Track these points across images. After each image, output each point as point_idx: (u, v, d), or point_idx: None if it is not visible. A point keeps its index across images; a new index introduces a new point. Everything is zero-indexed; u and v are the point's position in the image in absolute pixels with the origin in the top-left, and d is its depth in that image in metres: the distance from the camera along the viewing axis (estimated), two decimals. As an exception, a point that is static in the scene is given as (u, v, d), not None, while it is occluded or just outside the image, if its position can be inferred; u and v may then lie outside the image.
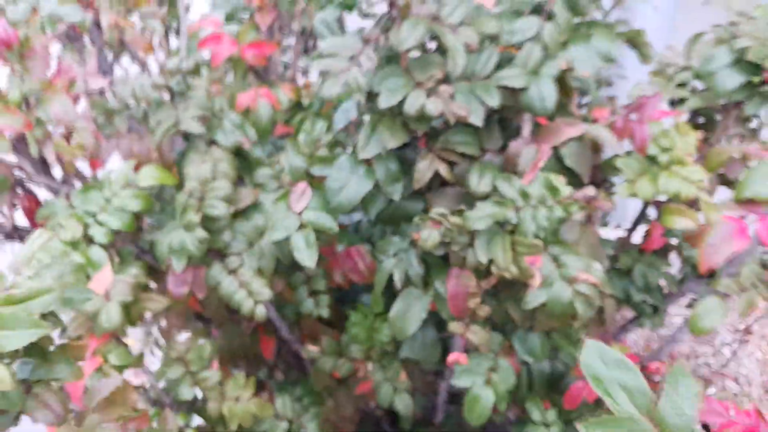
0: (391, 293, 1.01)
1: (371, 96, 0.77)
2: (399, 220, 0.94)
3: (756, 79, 0.99)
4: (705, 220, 0.82)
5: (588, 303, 0.83)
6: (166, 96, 0.95)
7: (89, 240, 0.84)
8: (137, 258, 0.97)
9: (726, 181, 1.02)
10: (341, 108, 0.91)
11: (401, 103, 0.74)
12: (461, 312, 0.86)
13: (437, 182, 0.87)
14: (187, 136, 0.97)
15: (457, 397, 1.28)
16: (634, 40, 0.86)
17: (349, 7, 1.08)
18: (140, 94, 0.89)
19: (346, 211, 0.85)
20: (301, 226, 0.89)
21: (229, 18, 1.59)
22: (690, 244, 0.83)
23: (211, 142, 0.96)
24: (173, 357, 0.91)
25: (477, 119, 0.76)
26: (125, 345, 0.84)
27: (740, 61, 0.98)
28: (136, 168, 0.90)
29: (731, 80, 0.97)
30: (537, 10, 0.84)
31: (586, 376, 0.46)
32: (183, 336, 1.25)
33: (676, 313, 1.87)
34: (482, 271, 0.84)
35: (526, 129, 0.84)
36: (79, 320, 0.79)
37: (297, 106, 1.24)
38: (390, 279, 0.93)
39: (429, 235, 0.79)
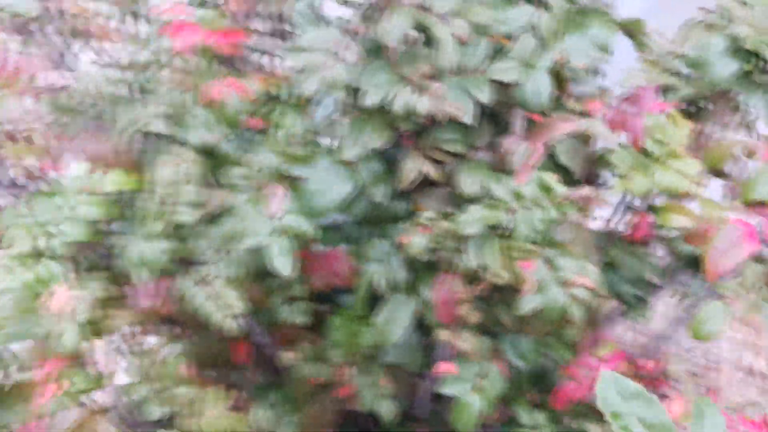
0: (373, 295, 0.96)
1: (354, 92, 0.70)
2: (383, 222, 0.88)
3: (750, 67, 0.95)
4: (704, 218, 0.79)
5: (584, 307, 0.79)
6: (127, 91, 0.87)
7: (43, 253, 0.77)
8: (101, 267, 0.90)
9: (718, 173, 0.98)
10: (321, 103, 0.84)
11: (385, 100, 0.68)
12: (450, 319, 0.81)
13: (424, 182, 0.82)
14: (149, 135, 0.89)
15: (440, 395, 1.24)
16: (631, 29, 0.81)
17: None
18: (100, 91, 0.81)
19: (328, 214, 0.79)
20: (278, 232, 0.82)
21: (199, 3, 1.50)
22: (688, 242, 0.80)
23: (177, 141, 0.88)
24: (143, 373, 0.84)
25: (469, 117, 0.70)
26: (88, 366, 0.77)
27: (736, 49, 0.94)
28: (97, 171, 0.82)
29: (727, 68, 0.93)
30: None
31: (603, 411, 0.41)
32: (149, 340, 1.19)
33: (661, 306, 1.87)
34: (472, 277, 0.79)
35: (518, 125, 0.78)
36: (36, 345, 0.72)
37: (270, 98, 1.17)
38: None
39: (417, 241, 0.74)
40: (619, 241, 1.14)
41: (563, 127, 0.75)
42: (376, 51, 0.71)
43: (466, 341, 0.81)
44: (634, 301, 1.20)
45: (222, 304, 0.80)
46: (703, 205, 0.78)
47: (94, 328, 0.76)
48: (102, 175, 0.81)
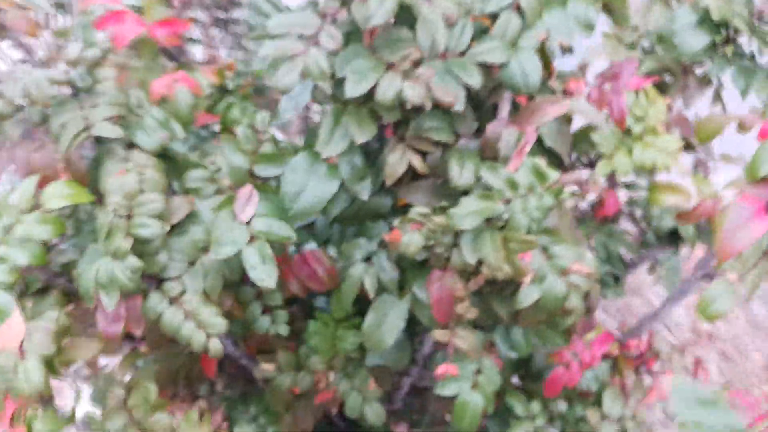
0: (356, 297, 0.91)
1: (334, 82, 0.64)
2: (364, 219, 0.83)
3: (720, 39, 0.95)
4: (698, 196, 0.77)
5: (582, 294, 0.76)
6: (66, 91, 0.77)
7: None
8: (51, 290, 0.81)
9: (688, 145, 0.98)
10: (287, 94, 0.77)
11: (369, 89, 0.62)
12: (447, 318, 0.77)
13: (408, 175, 0.77)
14: (98, 140, 0.80)
15: (418, 389, 1.21)
16: (611, 4, 0.78)
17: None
18: (36, 94, 0.72)
19: (306, 218, 0.73)
20: (253, 238, 0.76)
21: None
22: (681, 221, 0.78)
23: (130, 145, 0.79)
24: (113, 405, 0.76)
25: (460, 104, 0.65)
26: (52, 404, 0.68)
27: (704, 21, 0.93)
28: (41, 184, 0.73)
29: (696, 41, 0.92)
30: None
31: (680, 424, 0.38)
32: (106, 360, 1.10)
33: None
34: (468, 272, 0.74)
35: (505, 109, 0.74)
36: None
37: (220, 91, 1.09)
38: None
39: (410, 239, 0.69)
40: (589, 220, 1.13)
41: (553, 109, 0.71)
42: (353, 36, 0.65)
43: (464, 339, 0.77)
44: (608, 280, 1.20)
45: (202, 322, 0.73)
46: (696, 183, 0.77)
47: (60, 359, 0.68)
48: (52, 189, 0.72)
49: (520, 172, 0.71)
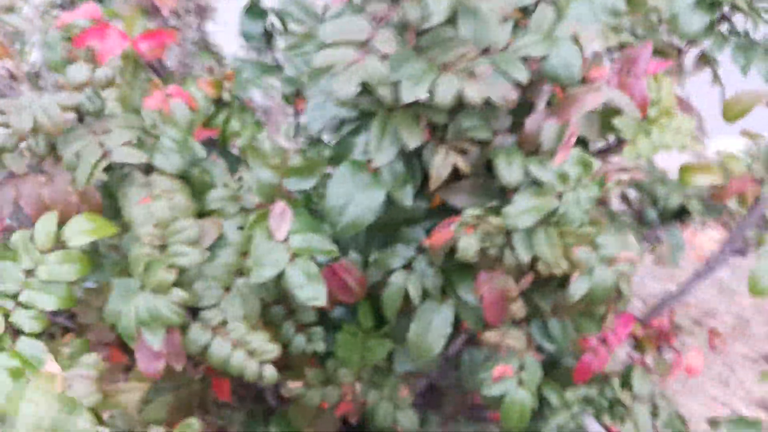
0: (374, 303, 0.88)
1: (382, 87, 0.61)
2: (399, 225, 0.80)
3: (713, 18, 0.97)
4: (728, 173, 0.79)
5: (629, 281, 0.77)
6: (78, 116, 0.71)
7: (20, 330, 0.61)
8: (74, 330, 0.75)
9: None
10: (314, 104, 0.73)
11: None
12: (499, 318, 0.76)
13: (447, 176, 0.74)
14: (109, 166, 0.74)
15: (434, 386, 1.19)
16: None
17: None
18: (46, 122, 0.65)
19: (355, 231, 0.70)
20: (294, 256, 0.72)
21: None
22: (716, 200, 0.79)
23: (147, 169, 0.74)
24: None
25: (513, 100, 0.64)
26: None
27: (702, 1, 0.95)
28: (59, 220, 0.67)
29: (697, 20, 0.94)
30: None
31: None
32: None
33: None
34: (520, 271, 0.73)
35: (542, 102, 0.73)
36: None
37: (217, 102, 1.03)
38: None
39: (468, 244, 0.67)
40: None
41: (591, 99, 0.71)
42: (400, 37, 0.62)
43: (517, 338, 0.76)
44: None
45: (254, 350, 0.68)
46: (726, 161, 0.78)
47: (102, 407, 0.62)
48: (73, 225, 0.66)
49: (567, 164, 0.71)
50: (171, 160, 0.74)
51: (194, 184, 0.81)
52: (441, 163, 0.70)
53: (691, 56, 1.03)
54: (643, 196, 1.15)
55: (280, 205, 0.75)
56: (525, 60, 0.69)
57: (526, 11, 0.71)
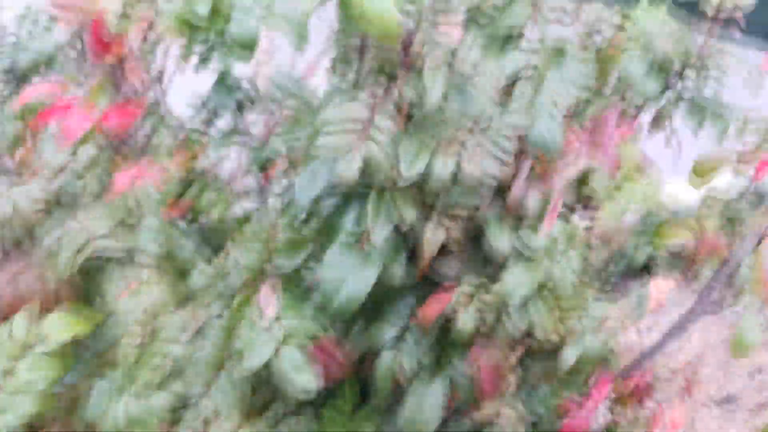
0: (360, 376, 0.86)
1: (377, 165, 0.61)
2: (386, 296, 0.79)
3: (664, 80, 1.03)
4: (704, 230, 0.82)
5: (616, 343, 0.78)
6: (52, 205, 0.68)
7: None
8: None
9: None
10: (303, 179, 0.72)
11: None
12: (495, 390, 0.75)
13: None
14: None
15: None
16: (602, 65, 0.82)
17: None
18: (27, 208, 0.62)
19: (349, 312, 0.68)
20: (284, 339, 0.70)
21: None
22: (693, 260, 0.82)
23: (131, 253, 0.71)
24: None
25: (502, 172, 0.65)
26: None
27: (656, 63, 1.00)
28: (40, 315, 0.63)
29: (653, 83, 0.99)
30: (509, 38, 0.76)
31: None
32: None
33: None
34: (515, 341, 0.73)
35: (525, 171, 0.75)
36: None
37: (187, 176, 1.01)
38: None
39: (466, 318, 0.67)
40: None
41: (573, 168, 0.73)
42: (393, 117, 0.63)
43: (515, 408, 0.75)
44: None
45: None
46: (701, 217, 0.81)
47: None
48: (53, 320, 0.62)
49: (556, 230, 0.72)
50: (155, 243, 0.71)
51: (177, 266, 0.78)
52: (432, 236, 0.70)
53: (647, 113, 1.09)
54: (611, 252, 1.18)
55: (267, 285, 0.73)
56: (510, 132, 0.71)
57: (507, 86, 0.74)
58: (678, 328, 0.94)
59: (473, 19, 0.78)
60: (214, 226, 1.01)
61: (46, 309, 0.64)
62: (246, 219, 1.03)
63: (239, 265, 0.74)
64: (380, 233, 0.65)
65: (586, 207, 0.95)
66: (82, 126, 0.95)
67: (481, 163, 0.61)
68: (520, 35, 0.77)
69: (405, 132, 0.63)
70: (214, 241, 1.06)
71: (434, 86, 0.57)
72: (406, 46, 0.60)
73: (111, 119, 0.97)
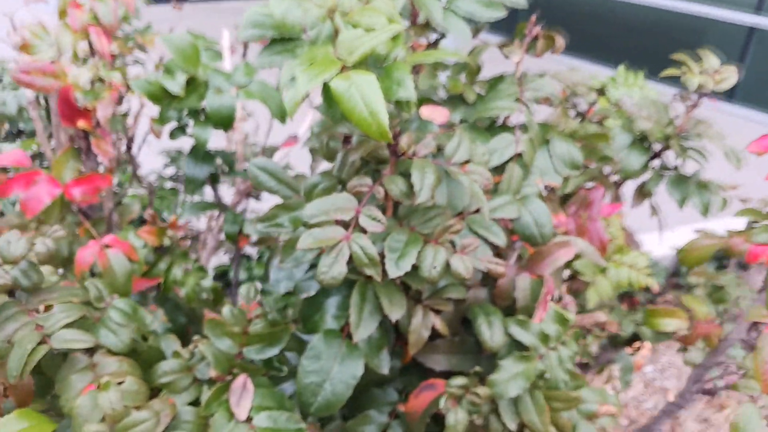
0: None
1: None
2: (368, 386, 0.75)
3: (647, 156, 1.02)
4: (696, 317, 0.80)
5: (609, 435, 0.74)
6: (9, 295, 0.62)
7: None
8: None
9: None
10: (285, 263, 0.68)
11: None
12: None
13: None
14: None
15: None
16: (591, 144, 0.81)
17: (224, 125, 0.86)
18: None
19: (333, 411, 0.63)
20: (259, 439, 0.64)
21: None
22: (684, 343, 0.80)
23: (92, 348, 0.65)
24: None
25: (500, 267, 0.62)
26: None
27: (637, 141, 1.00)
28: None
29: (636, 160, 0.99)
30: (492, 125, 0.74)
31: None
32: None
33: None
34: (505, 436, 0.69)
35: (513, 256, 0.72)
36: None
37: (157, 250, 0.96)
38: None
39: (457, 419, 0.63)
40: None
41: (563, 254, 0.71)
42: (381, 210, 0.60)
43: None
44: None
45: None
46: (690, 304, 0.79)
47: None
48: (4, 426, 0.56)
49: (545, 321, 0.69)
50: (120, 336, 0.66)
51: (143, 357, 0.73)
52: (419, 325, 0.66)
53: (626, 186, 1.08)
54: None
55: (240, 379, 0.68)
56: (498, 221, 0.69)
57: (495, 169, 0.71)
58: (672, 409, 0.91)
59: (460, 98, 0.76)
60: (188, 298, 0.96)
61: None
62: (219, 294, 0.98)
63: (211, 356, 0.69)
64: (365, 329, 0.61)
65: (571, 287, 0.93)
66: (46, 196, 0.90)
67: (472, 258, 0.58)
68: (507, 115, 0.76)
69: (391, 221, 0.60)
70: (188, 313, 1.01)
71: (423, 185, 0.54)
72: (395, 136, 0.57)
73: (77, 189, 0.93)
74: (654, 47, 5.01)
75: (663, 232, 1.17)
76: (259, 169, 0.64)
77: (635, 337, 1.13)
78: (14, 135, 1.49)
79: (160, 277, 0.94)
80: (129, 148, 1.19)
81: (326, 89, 0.51)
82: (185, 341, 0.86)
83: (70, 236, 0.96)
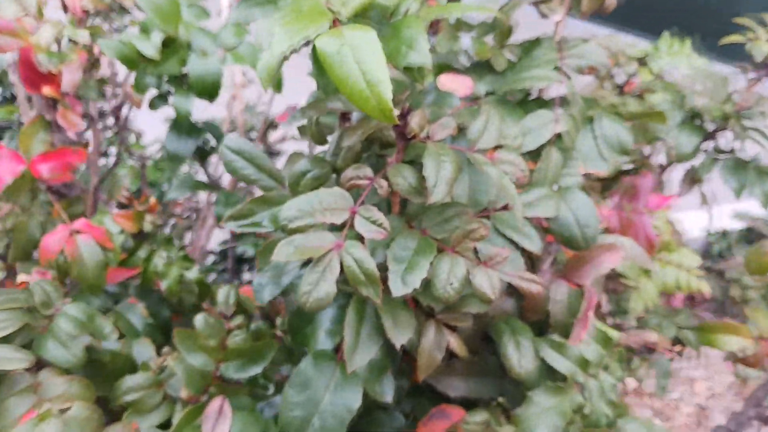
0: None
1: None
2: (371, 409, 0.64)
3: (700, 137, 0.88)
4: (759, 333, 0.67)
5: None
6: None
7: None
8: None
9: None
10: (264, 275, 0.57)
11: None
12: None
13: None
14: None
15: None
16: (644, 123, 0.67)
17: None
18: None
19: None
20: (237, 474, 0.53)
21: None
22: (746, 365, 0.67)
23: (39, 363, 0.55)
24: None
25: (537, 286, 0.49)
26: None
27: (689, 120, 0.86)
28: None
29: (689, 141, 0.85)
30: (525, 99, 0.61)
31: None
32: None
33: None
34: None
35: (548, 260, 0.59)
36: None
37: (136, 236, 0.85)
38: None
39: (475, 463, 0.51)
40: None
41: (609, 259, 0.58)
42: (386, 209, 0.47)
43: None
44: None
45: None
46: (754, 318, 0.67)
47: None
48: None
49: (586, 342, 0.57)
50: (71, 349, 0.55)
51: (108, 368, 0.62)
52: (431, 345, 0.54)
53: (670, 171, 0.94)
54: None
55: (216, 402, 0.57)
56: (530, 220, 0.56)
57: (528, 153, 0.58)
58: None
59: (486, 65, 0.63)
60: (170, 291, 0.85)
61: None
62: (205, 287, 0.87)
63: (183, 374, 0.58)
64: (362, 356, 0.49)
65: (607, 287, 0.80)
66: (9, 172, 0.79)
67: (500, 271, 0.45)
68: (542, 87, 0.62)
69: (397, 220, 0.47)
70: (174, 306, 0.90)
71: (438, 179, 0.41)
72: (403, 114, 0.44)
73: (44, 165, 0.81)
74: (689, 17, 4.75)
75: (710, 220, 1.03)
76: (232, 152, 0.51)
77: (676, 341, 1.01)
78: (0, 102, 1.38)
79: (139, 267, 0.83)
80: (117, 116, 1.08)
81: (315, 52, 0.38)
82: (169, 339, 0.76)
83: (44, 217, 0.85)
